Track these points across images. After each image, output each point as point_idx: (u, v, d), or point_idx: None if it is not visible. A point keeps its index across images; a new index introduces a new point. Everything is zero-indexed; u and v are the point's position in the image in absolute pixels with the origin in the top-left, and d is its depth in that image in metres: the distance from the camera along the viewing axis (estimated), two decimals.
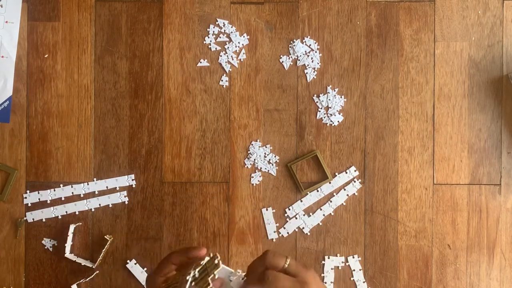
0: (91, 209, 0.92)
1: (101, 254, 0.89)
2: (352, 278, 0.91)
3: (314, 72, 0.92)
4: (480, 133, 0.92)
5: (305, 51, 0.92)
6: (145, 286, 0.64)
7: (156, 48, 0.92)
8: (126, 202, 0.92)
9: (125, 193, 0.92)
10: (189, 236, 0.92)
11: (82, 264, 0.89)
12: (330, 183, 0.91)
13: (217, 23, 0.92)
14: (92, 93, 0.92)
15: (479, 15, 0.92)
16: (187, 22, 0.92)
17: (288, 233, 0.92)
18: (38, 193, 0.91)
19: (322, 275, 0.91)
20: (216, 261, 0.61)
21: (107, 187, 0.92)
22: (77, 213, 0.91)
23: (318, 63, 0.92)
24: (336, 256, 0.92)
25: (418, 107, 0.92)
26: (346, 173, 0.92)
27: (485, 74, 0.92)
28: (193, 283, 0.61)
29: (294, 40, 0.92)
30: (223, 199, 0.92)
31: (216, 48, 0.92)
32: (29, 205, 0.91)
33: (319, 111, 0.92)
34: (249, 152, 0.92)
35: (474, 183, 0.92)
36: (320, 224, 0.92)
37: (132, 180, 0.92)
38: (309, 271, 0.59)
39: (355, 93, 0.92)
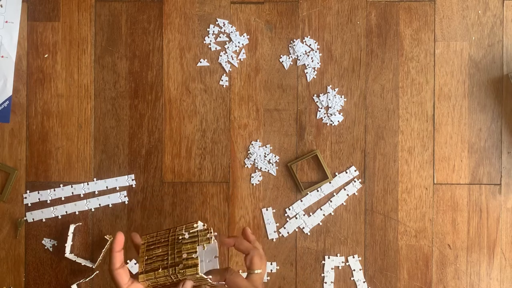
0: (91, 209, 0.92)
1: (101, 254, 0.89)
2: (352, 278, 0.91)
3: (314, 72, 0.92)
4: (480, 133, 0.92)
5: (305, 51, 0.92)
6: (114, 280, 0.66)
7: (156, 48, 0.92)
8: (126, 202, 0.92)
9: (125, 193, 0.92)
10: None
11: (82, 264, 0.89)
12: (330, 183, 0.91)
13: (217, 23, 0.92)
14: (92, 93, 0.92)
15: (479, 14, 0.92)
16: (187, 22, 0.92)
17: (288, 233, 0.91)
18: (38, 193, 0.91)
19: (322, 275, 0.91)
20: (209, 235, 0.66)
21: (107, 187, 0.92)
22: (77, 213, 0.91)
23: (318, 63, 0.92)
24: (336, 256, 0.91)
25: (418, 107, 0.92)
26: (346, 173, 0.92)
27: (485, 73, 0.92)
28: (182, 242, 0.66)
29: (294, 40, 0.92)
30: (223, 199, 0.92)
31: (216, 48, 0.92)
32: (29, 205, 0.91)
33: (319, 111, 0.92)
34: (249, 152, 0.92)
35: (474, 183, 0.92)
36: (320, 224, 0.92)
37: (132, 180, 0.92)
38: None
39: (355, 93, 0.92)
